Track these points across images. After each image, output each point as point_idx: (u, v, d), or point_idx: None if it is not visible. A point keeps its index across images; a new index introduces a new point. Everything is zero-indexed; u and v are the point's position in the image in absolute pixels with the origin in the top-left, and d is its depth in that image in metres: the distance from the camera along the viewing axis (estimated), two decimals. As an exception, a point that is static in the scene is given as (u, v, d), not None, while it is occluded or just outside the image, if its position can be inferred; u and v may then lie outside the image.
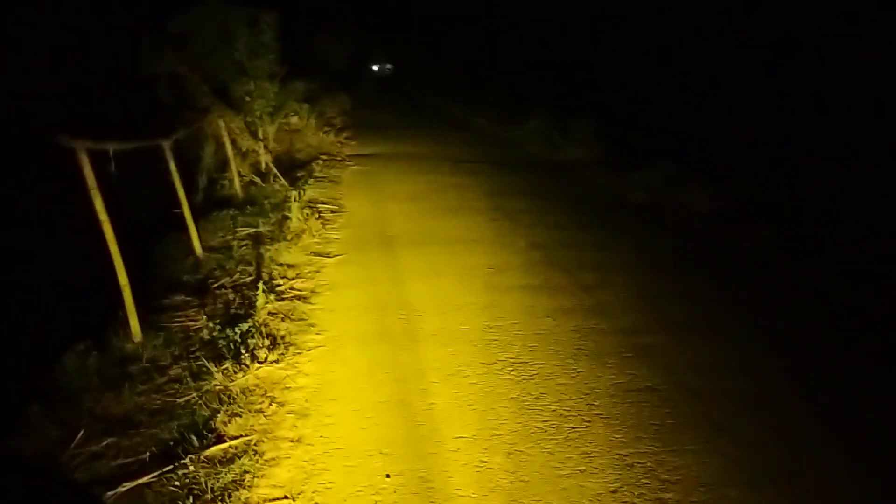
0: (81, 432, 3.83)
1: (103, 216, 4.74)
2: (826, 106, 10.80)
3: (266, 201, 9.44)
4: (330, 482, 3.40)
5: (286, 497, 3.28)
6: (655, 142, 12.65)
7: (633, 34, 17.23)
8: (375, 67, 52.62)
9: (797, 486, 3.46)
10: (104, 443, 3.76)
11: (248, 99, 11.25)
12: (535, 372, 4.60)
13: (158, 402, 4.22)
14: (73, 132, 4.66)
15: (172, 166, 6.81)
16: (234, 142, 10.36)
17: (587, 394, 4.33)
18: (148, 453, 3.65)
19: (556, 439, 3.81)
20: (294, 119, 14.26)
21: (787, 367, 4.84)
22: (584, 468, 3.54)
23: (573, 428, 3.92)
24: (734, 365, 4.84)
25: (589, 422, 4.00)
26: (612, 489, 3.38)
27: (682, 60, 14.93)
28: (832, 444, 3.88)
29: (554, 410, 4.11)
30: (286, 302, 5.84)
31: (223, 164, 10.22)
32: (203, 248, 7.28)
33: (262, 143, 11.64)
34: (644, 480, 3.45)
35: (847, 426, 4.11)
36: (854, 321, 5.90)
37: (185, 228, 7.10)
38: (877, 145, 9.64)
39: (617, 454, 3.67)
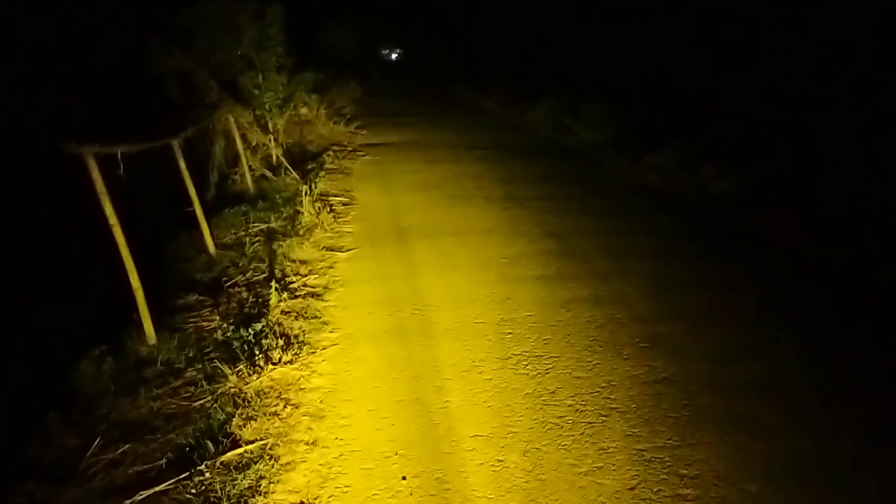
0: (98, 440, 3.83)
1: (113, 220, 4.72)
2: (845, 83, 10.63)
3: (278, 195, 9.44)
4: (346, 486, 3.38)
5: (302, 503, 3.27)
6: (668, 123, 12.53)
7: (644, 14, 17.03)
8: (384, 52, 52.55)
9: (816, 479, 3.42)
10: (121, 449, 3.77)
11: (256, 92, 11.22)
12: (550, 366, 4.57)
13: (174, 406, 4.23)
14: (80, 136, 4.65)
15: (182, 164, 6.80)
16: (244, 136, 10.35)
17: (603, 387, 4.29)
18: (164, 459, 3.65)
19: (573, 435, 3.77)
20: (304, 110, 14.24)
21: (805, 354, 4.78)
22: (601, 465, 3.51)
23: (590, 423, 3.88)
24: (751, 353, 4.77)
25: (606, 416, 3.96)
26: (630, 486, 3.35)
27: (695, 40, 14.76)
28: (846, 431, 3.84)
29: (570, 405, 4.08)
30: (299, 300, 5.83)
31: (234, 159, 10.22)
32: (216, 245, 7.29)
33: (272, 137, 11.63)
34: (663, 476, 3.42)
35: (861, 412, 4.06)
36: (873, 304, 5.83)
37: (197, 226, 7.10)
38: None
39: (635, 449, 3.64)
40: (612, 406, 4.06)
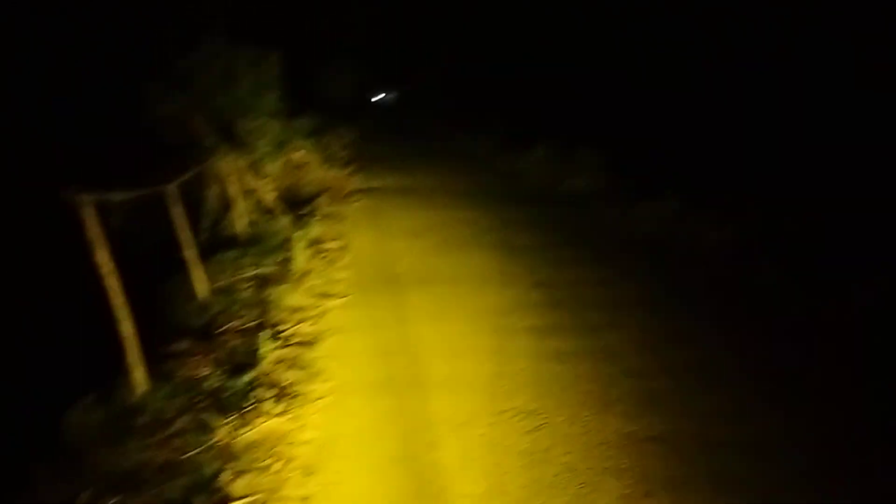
0: (87, 491, 3.78)
1: (107, 268, 4.72)
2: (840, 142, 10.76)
3: (271, 240, 9.45)
4: (337, 544, 3.35)
5: (293, 562, 3.23)
6: (661, 171, 12.62)
7: (639, 64, 17.29)
8: (378, 97, 53.22)
9: None
10: (110, 502, 3.72)
11: (252, 137, 11.31)
12: (543, 422, 4.55)
13: (164, 457, 4.18)
14: (77, 183, 4.67)
15: (177, 210, 6.83)
16: (239, 180, 10.38)
17: (597, 445, 4.27)
18: (153, 514, 3.61)
19: (567, 495, 3.75)
20: (299, 155, 14.33)
21: (798, 415, 4.77)
22: None
23: (583, 483, 3.86)
24: (744, 412, 4.76)
25: (599, 475, 3.94)
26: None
27: (690, 90, 14.96)
28: (845, 494, 3.82)
29: (564, 463, 4.05)
30: (291, 348, 5.81)
31: (228, 203, 10.23)
32: (208, 290, 7.27)
33: (266, 181, 11.68)
34: (657, 539, 3.39)
35: (852, 466, 4.05)
36: (866, 362, 5.84)
37: (190, 271, 7.09)
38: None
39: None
40: (606, 465, 4.04)
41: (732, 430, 4.48)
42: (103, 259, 4.68)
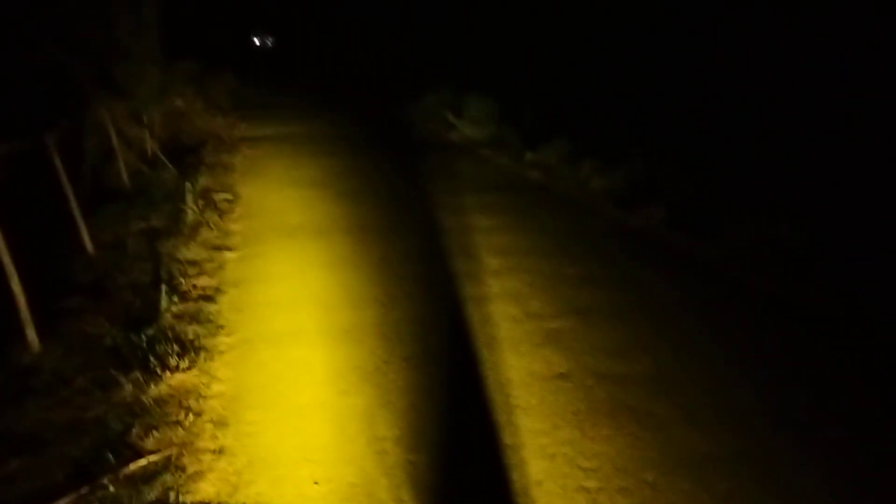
0: (-15, 455, 3.64)
1: (-8, 223, 4.49)
2: (716, 89, 11.28)
3: (156, 192, 9.13)
4: (258, 493, 3.36)
5: (215, 513, 3.24)
6: (549, 121, 12.92)
7: (531, 9, 17.45)
8: (258, 41, 51.58)
9: (705, 470, 3.66)
10: (12, 465, 3.59)
11: (131, 83, 10.77)
12: (451, 361, 4.69)
13: (66, 416, 4.05)
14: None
15: (57, 161, 6.49)
16: (118, 130, 9.91)
17: (503, 384, 4.44)
18: (62, 474, 3.51)
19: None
20: (180, 102, 13.77)
21: (683, 344, 5.11)
22: (508, 462, 3.64)
23: (494, 420, 4.02)
24: (637, 347, 5.05)
25: (508, 413, 4.10)
26: (537, 480, 3.48)
27: (576, 39, 15.25)
28: (729, 418, 4.13)
29: (472, 402, 4.20)
30: (191, 303, 5.68)
31: (108, 154, 9.76)
32: (94, 245, 6.98)
33: (147, 130, 11.19)
34: (566, 470, 3.58)
35: (738, 392, 4.41)
36: (737, 295, 6.29)
37: (73, 225, 6.79)
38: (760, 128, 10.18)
39: (538, 445, 3.79)
40: (514, 402, 4.21)
41: (626, 365, 4.76)
42: (-12, 213, 4.44)
